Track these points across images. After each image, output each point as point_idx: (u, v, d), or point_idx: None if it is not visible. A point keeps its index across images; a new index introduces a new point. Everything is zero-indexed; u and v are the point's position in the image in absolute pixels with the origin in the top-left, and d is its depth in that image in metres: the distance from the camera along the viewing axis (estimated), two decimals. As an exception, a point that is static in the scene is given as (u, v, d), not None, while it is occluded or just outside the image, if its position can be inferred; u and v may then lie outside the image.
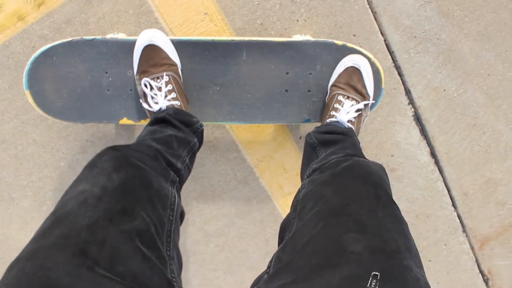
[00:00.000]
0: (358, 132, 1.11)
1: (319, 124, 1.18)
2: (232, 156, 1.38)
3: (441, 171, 1.44)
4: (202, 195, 1.42)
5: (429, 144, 1.41)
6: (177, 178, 0.91)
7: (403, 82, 1.33)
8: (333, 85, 1.12)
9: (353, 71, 1.09)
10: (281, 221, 0.89)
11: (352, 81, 1.09)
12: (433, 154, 1.42)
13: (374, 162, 0.85)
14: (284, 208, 1.45)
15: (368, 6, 1.24)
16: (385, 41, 1.28)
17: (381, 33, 1.28)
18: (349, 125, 1.06)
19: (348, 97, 1.08)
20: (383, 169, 0.85)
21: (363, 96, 1.10)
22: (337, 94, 1.09)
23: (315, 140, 1.05)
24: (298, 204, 0.81)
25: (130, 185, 0.73)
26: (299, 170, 1.36)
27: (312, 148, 1.05)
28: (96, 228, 0.62)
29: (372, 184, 0.75)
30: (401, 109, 1.36)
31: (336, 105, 1.07)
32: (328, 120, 1.09)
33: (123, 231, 0.64)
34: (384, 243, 0.61)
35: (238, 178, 1.41)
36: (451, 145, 1.41)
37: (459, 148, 1.42)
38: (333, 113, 1.08)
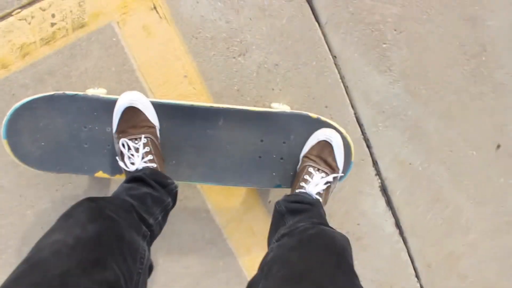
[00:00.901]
0: (326, 203, 1.15)
1: (289, 190, 1.22)
2: (202, 216, 1.39)
3: (405, 242, 1.49)
4: (170, 253, 1.41)
5: (394, 215, 1.46)
6: (149, 233, 0.93)
7: (371, 154, 1.39)
8: (305, 156, 1.17)
9: (325, 145, 1.15)
10: (246, 283, 0.93)
11: (323, 154, 1.14)
12: (398, 225, 1.47)
13: (339, 233, 0.91)
14: (250, 270, 1.45)
15: (340, 80, 1.32)
16: (355, 114, 1.36)
17: (352, 106, 1.35)
18: (317, 196, 1.10)
19: (318, 169, 1.12)
20: (347, 239, 0.90)
21: (333, 169, 1.14)
22: (308, 166, 1.13)
23: (283, 208, 1.08)
24: (266, 265, 0.86)
25: (103, 237, 0.76)
26: (267, 233, 1.38)
27: (281, 215, 1.08)
28: (68, 277, 0.64)
29: (335, 253, 0.82)
30: (368, 179, 1.41)
31: (306, 177, 1.11)
32: (297, 190, 1.13)
33: (95, 282, 0.66)
34: None
35: (206, 238, 1.41)
36: (415, 217, 1.46)
37: (423, 220, 1.47)
38: (303, 184, 1.12)
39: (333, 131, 1.17)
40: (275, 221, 1.13)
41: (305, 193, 1.10)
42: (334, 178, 1.13)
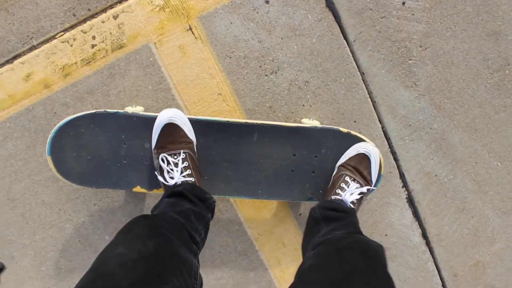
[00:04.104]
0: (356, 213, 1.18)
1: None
2: (234, 228, 1.43)
3: (432, 252, 1.51)
4: (202, 265, 1.45)
5: (420, 225, 1.48)
6: (198, 250, 0.99)
7: (398, 166, 1.43)
8: (341, 165, 1.21)
9: (364, 158, 1.19)
10: None
11: (360, 166, 1.18)
12: (424, 235, 1.49)
13: (374, 241, 0.95)
14: (280, 281, 1.48)
15: (368, 95, 1.37)
16: (382, 128, 1.40)
17: (379, 120, 1.39)
18: (351, 205, 1.14)
19: (354, 179, 1.16)
20: (382, 247, 0.95)
21: (367, 182, 1.18)
22: (345, 174, 1.17)
23: (319, 215, 1.12)
24: (304, 273, 0.91)
25: (162, 253, 0.82)
26: (298, 245, 1.43)
27: (316, 222, 1.12)
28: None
29: (371, 260, 0.86)
30: (395, 191, 1.44)
31: (343, 185, 1.15)
32: (332, 197, 1.16)
33: None
34: None
35: (238, 250, 1.45)
36: (441, 227, 1.49)
37: (449, 231, 1.50)
38: (338, 191, 1.15)
39: (374, 146, 1.20)
40: (309, 228, 1.16)
41: (341, 200, 1.13)
42: (368, 190, 1.17)
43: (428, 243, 1.50)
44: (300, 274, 0.92)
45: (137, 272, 0.72)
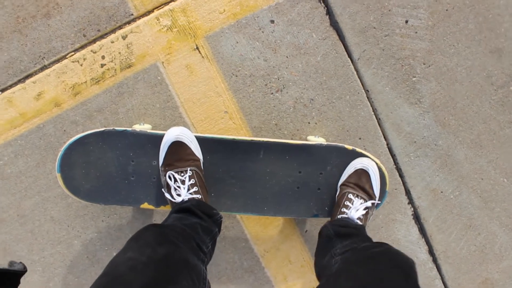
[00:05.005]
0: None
1: (326, 219, 1.26)
2: (241, 245, 1.44)
3: (439, 269, 1.50)
4: (209, 281, 1.45)
5: (427, 242, 1.48)
6: (206, 259, 1.01)
7: (404, 183, 1.43)
8: (343, 184, 1.22)
9: (362, 173, 1.20)
10: None
11: (361, 182, 1.19)
12: (431, 252, 1.49)
13: (404, 254, 0.94)
14: (287, 298, 1.48)
15: (373, 112, 1.38)
16: (387, 144, 1.41)
17: (384, 137, 1.40)
18: (359, 222, 1.15)
19: (357, 196, 1.17)
20: (413, 261, 0.93)
21: (370, 196, 1.19)
22: (347, 192, 1.18)
23: (332, 231, 1.12)
24: (332, 276, 0.92)
25: (171, 258, 0.84)
26: (304, 262, 1.43)
27: (329, 238, 1.13)
28: None
29: (402, 269, 0.85)
30: (401, 208, 1.45)
31: (347, 203, 1.16)
32: (339, 216, 1.17)
33: None
34: None
35: (245, 267, 1.45)
36: (448, 244, 1.48)
37: (456, 247, 1.49)
38: (344, 209, 1.16)
39: (370, 160, 1.22)
40: (322, 245, 1.17)
41: (347, 218, 1.14)
42: (372, 204, 1.18)
43: (435, 260, 1.50)
44: (328, 277, 0.94)
45: (147, 275, 0.74)
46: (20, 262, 0.68)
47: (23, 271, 0.79)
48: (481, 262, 1.51)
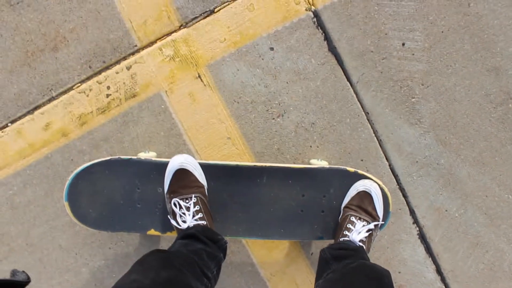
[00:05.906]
0: (369, 251, 1.19)
1: (330, 241, 1.27)
2: (247, 269, 1.44)
3: (447, 289, 1.50)
4: (216, 306, 1.46)
5: (434, 261, 1.47)
6: (210, 284, 1.02)
7: (408, 203, 1.44)
8: (345, 207, 1.23)
9: (365, 195, 1.21)
10: None
11: (363, 204, 1.20)
12: (439, 272, 1.48)
13: (379, 266, 1.00)
14: (295, 321, 1.48)
15: (373, 134, 1.40)
16: (389, 165, 1.42)
17: (386, 158, 1.41)
18: (360, 244, 1.15)
19: (360, 218, 1.18)
20: (388, 272, 0.98)
21: (373, 217, 1.20)
22: (349, 215, 1.19)
23: (328, 255, 1.14)
24: None
25: (174, 282, 0.86)
26: (311, 284, 1.43)
27: (326, 261, 1.14)
28: None
29: (376, 279, 0.91)
30: (406, 228, 1.45)
31: (349, 225, 1.17)
32: (341, 239, 1.18)
33: None
34: None
35: (252, 291, 1.46)
36: (456, 263, 1.48)
37: (464, 266, 1.48)
38: (346, 232, 1.17)
39: (372, 181, 1.23)
40: (320, 268, 1.18)
41: (349, 240, 1.15)
42: (375, 225, 1.19)
43: (443, 279, 1.49)
44: None
45: None
46: (23, 272, 0.67)
47: (26, 282, 0.76)
48: (490, 280, 1.50)
